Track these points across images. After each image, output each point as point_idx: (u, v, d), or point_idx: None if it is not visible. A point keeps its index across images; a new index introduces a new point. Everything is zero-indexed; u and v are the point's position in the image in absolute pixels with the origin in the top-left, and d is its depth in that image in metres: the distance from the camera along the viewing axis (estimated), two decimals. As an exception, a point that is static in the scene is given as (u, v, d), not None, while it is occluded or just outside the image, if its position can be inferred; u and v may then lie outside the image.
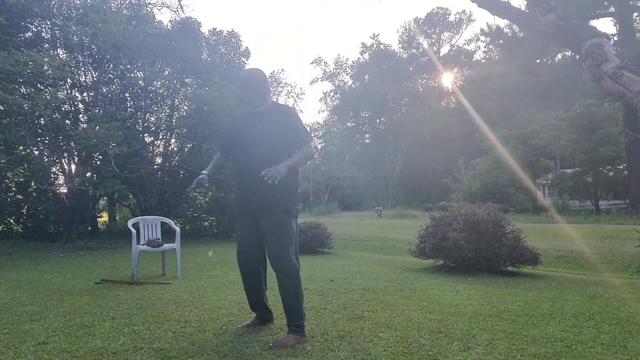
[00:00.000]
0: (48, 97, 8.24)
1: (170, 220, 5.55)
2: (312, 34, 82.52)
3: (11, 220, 10.46)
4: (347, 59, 52.23)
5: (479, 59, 45.66)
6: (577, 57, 6.75)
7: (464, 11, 46.12)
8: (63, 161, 9.99)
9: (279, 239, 2.57)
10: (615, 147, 20.46)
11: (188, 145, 11.51)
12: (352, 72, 51.17)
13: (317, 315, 3.13)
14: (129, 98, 10.66)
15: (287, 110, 2.77)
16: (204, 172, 2.88)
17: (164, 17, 22.34)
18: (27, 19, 9.34)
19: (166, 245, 5.10)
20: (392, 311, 3.25)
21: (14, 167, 9.72)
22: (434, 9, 47.35)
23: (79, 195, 9.41)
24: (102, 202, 14.51)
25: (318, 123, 51.57)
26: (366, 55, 49.60)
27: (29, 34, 9.60)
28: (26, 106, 7.96)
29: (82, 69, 10.03)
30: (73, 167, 9.96)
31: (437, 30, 47.69)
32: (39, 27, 9.80)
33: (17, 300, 3.74)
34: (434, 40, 48.30)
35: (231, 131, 2.89)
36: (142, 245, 4.99)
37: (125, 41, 9.17)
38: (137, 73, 10.65)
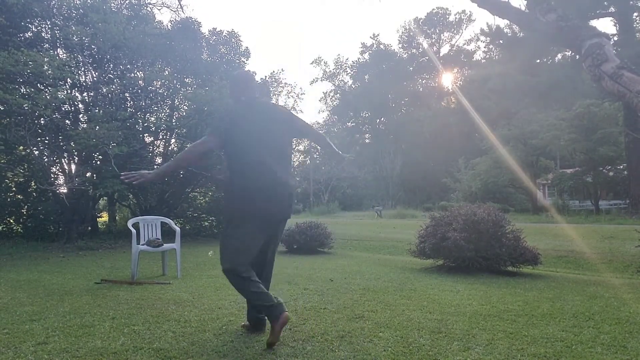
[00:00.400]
0: (48, 97, 8.24)
1: (170, 220, 5.55)
2: (312, 34, 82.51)
3: (11, 220, 10.45)
4: (347, 59, 52.34)
5: (479, 59, 45.71)
6: (577, 57, 6.75)
7: (464, 11, 46.19)
8: (63, 161, 9.99)
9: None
10: (615, 147, 20.46)
11: (188, 145, 11.51)
12: (352, 72, 51.22)
13: (317, 315, 3.13)
14: (129, 98, 10.66)
15: None
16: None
17: (164, 17, 22.37)
18: (27, 19, 9.34)
19: (166, 245, 5.10)
20: (392, 311, 3.25)
21: (14, 167, 9.72)
22: (434, 9, 47.42)
23: (79, 195, 9.41)
24: (102, 202, 14.51)
25: (318, 123, 51.66)
26: (366, 55, 49.64)
27: (29, 34, 9.60)
28: (26, 106, 7.95)
29: (82, 69, 10.02)
30: (73, 167, 9.96)
31: (437, 30, 47.70)
32: (39, 27, 9.79)
33: (17, 300, 3.74)
34: (434, 40, 48.32)
35: None
36: (142, 245, 4.99)
37: (125, 41, 9.17)
38: (137, 73, 10.65)
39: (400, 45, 49.33)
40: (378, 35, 58.08)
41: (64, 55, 9.66)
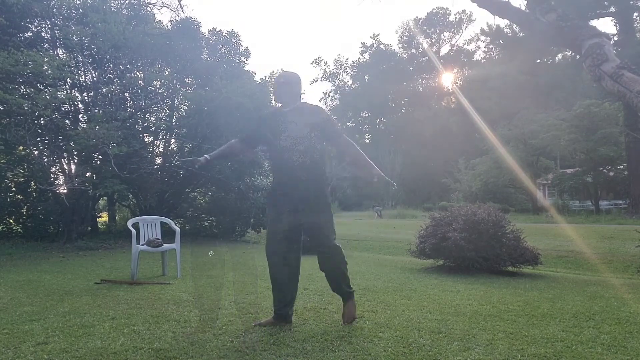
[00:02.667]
0: (48, 97, 8.23)
1: (170, 220, 5.55)
2: (312, 34, 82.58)
3: (11, 220, 10.44)
4: (347, 59, 52.31)
5: (479, 59, 45.75)
6: (577, 57, 6.75)
7: (464, 11, 46.18)
8: (63, 161, 9.98)
9: (324, 230, 2.79)
10: (615, 147, 20.48)
11: (188, 145, 11.51)
12: (352, 72, 51.23)
13: (317, 315, 3.13)
14: (128, 98, 10.64)
15: (317, 109, 2.94)
16: (205, 155, 3.02)
17: (164, 17, 22.29)
18: (27, 19, 9.33)
19: (166, 246, 5.09)
20: (392, 311, 3.24)
21: (14, 167, 9.70)
22: (434, 9, 47.41)
23: (78, 195, 9.40)
24: (102, 202, 14.51)
25: (318, 123, 51.56)
26: (366, 55, 49.64)
27: (29, 34, 9.59)
28: (26, 106, 7.94)
29: (82, 69, 10.02)
30: (73, 167, 9.95)
31: (437, 30, 47.71)
32: (39, 27, 9.79)
33: (17, 300, 3.74)
34: (434, 40, 48.33)
35: (261, 127, 2.96)
36: (142, 245, 4.98)
37: (125, 41, 9.16)
38: (137, 73, 10.64)
39: (400, 45, 49.36)
40: (378, 35, 58.06)
41: (64, 55, 9.65)
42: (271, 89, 3.17)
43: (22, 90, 8.84)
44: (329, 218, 2.83)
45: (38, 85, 8.95)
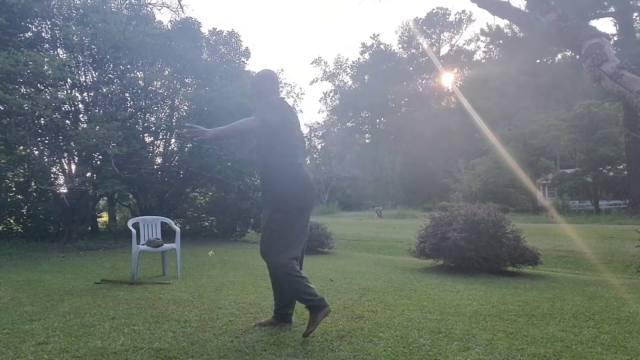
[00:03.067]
0: (48, 97, 8.23)
1: (170, 220, 5.55)
2: (312, 34, 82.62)
3: (11, 220, 10.44)
4: (347, 59, 52.32)
5: (479, 59, 45.73)
6: (577, 57, 6.76)
7: (464, 11, 46.17)
8: (63, 161, 9.99)
9: (264, 233, 2.68)
10: (615, 147, 20.47)
11: (188, 145, 11.52)
12: (352, 72, 51.20)
13: (317, 315, 3.13)
14: (129, 98, 10.65)
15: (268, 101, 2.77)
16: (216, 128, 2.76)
17: (164, 17, 22.32)
18: (27, 19, 9.34)
19: (166, 246, 5.09)
20: (392, 311, 3.24)
21: (14, 167, 9.71)
22: (433, 9, 47.40)
23: (79, 195, 9.40)
24: (102, 202, 14.51)
25: (318, 123, 51.66)
26: (366, 55, 49.62)
27: (29, 34, 9.60)
28: (26, 106, 7.95)
29: (82, 69, 10.02)
30: (73, 167, 9.95)
31: (437, 30, 47.69)
32: (39, 27, 9.79)
33: (17, 300, 3.74)
34: (433, 40, 48.32)
35: None
36: (142, 245, 4.99)
37: (125, 41, 9.17)
38: (137, 73, 10.64)
39: (400, 46, 49.35)
40: (378, 35, 58.12)
41: (64, 55, 9.66)
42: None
43: (23, 90, 8.85)
44: (269, 224, 2.65)
45: (38, 85, 8.96)
